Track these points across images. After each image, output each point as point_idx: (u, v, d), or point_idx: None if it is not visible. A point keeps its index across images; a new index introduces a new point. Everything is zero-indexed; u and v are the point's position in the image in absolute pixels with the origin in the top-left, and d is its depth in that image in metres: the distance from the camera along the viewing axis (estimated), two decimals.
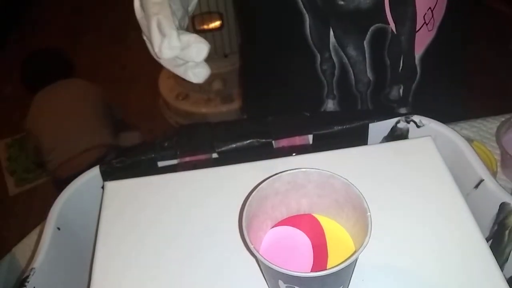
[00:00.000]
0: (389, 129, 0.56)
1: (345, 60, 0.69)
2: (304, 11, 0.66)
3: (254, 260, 0.42)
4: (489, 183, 0.47)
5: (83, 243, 0.51)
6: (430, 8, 0.65)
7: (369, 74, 0.70)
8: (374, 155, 0.51)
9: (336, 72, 0.71)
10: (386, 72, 0.70)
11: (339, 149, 0.51)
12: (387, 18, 0.65)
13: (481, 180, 0.48)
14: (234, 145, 0.54)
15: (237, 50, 1.93)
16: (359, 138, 0.56)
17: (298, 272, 0.33)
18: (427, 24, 0.66)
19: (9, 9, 2.79)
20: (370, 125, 0.55)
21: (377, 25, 0.66)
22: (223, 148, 0.54)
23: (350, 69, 0.70)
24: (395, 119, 0.55)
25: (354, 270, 0.39)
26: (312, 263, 0.39)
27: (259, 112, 0.87)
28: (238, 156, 0.53)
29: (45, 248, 0.46)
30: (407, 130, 0.55)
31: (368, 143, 0.56)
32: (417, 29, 0.66)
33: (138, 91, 1.81)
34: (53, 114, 1.68)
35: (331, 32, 0.67)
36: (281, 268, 0.33)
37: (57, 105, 1.71)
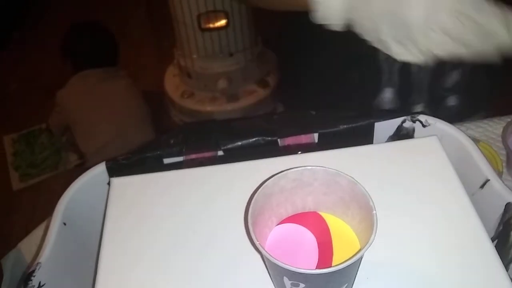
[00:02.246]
0: (395, 128, 0.56)
1: None
2: None
3: (259, 256, 0.42)
4: (495, 183, 0.47)
5: (88, 238, 0.51)
6: None
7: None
8: (379, 154, 0.51)
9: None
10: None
11: (345, 148, 0.51)
12: None
13: (487, 180, 0.48)
14: (239, 143, 0.54)
15: (242, 49, 1.93)
16: (365, 137, 0.56)
17: (303, 269, 0.33)
18: None
19: (14, 6, 2.80)
20: (376, 124, 0.55)
21: None
22: (228, 146, 0.54)
23: None
24: (401, 118, 0.55)
25: (359, 268, 0.39)
26: (317, 260, 0.39)
27: (308, 102, 0.86)
28: (243, 154, 0.53)
29: (51, 243, 0.46)
30: (413, 130, 0.55)
31: (374, 142, 0.56)
32: None
33: (143, 89, 1.81)
34: (105, 105, 1.67)
35: None
36: (286, 264, 0.33)
37: (104, 94, 1.68)
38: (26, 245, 0.63)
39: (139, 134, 1.65)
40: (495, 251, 0.42)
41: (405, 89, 0.76)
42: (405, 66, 0.73)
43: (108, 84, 1.70)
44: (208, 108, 1.98)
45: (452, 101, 0.78)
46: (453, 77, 0.75)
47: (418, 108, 0.78)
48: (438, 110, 0.78)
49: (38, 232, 0.64)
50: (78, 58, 1.73)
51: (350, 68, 0.78)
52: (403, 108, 0.77)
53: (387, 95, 0.76)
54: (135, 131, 1.65)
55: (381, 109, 0.76)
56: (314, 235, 0.41)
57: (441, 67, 0.73)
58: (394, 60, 0.71)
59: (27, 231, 0.65)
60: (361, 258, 0.36)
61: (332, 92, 0.82)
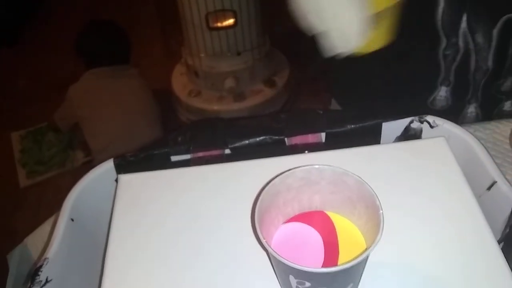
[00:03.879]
0: (403, 129, 0.56)
1: (471, 46, 0.70)
2: None
3: (265, 254, 0.42)
4: (502, 185, 0.47)
5: (96, 234, 0.51)
6: None
7: (490, 62, 0.71)
8: (387, 155, 0.51)
9: (458, 57, 0.72)
10: (506, 61, 0.72)
11: (352, 148, 0.51)
12: None
13: (494, 182, 0.48)
14: (247, 142, 0.54)
15: (250, 48, 1.93)
16: (372, 137, 0.55)
17: (309, 267, 0.33)
18: None
19: (23, 4, 2.82)
20: (384, 124, 0.55)
21: (509, 15, 0.67)
22: (236, 144, 0.54)
23: (473, 55, 0.70)
24: (408, 119, 0.55)
25: (365, 268, 0.39)
26: (323, 259, 0.39)
27: (358, 98, 0.86)
28: (250, 153, 0.53)
29: (58, 239, 0.46)
30: (421, 130, 0.55)
31: (381, 142, 0.56)
32: None
33: (151, 87, 1.82)
34: (116, 103, 1.68)
35: (464, 17, 0.67)
36: (292, 263, 0.33)
37: (115, 92, 1.69)
38: (32, 241, 0.64)
39: (148, 132, 1.66)
40: (502, 253, 0.42)
41: (461, 88, 0.75)
42: (462, 65, 0.72)
43: (119, 82, 1.71)
44: (215, 107, 1.99)
45: (508, 106, 0.78)
46: (508, 83, 0.74)
47: (471, 108, 0.77)
48: (492, 113, 0.78)
49: (44, 228, 0.64)
50: (92, 55, 1.75)
51: (406, 65, 0.78)
52: (456, 107, 0.76)
53: (442, 93, 0.76)
54: (143, 130, 1.66)
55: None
56: (320, 234, 0.41)
57: (498, 70, 0.73)
58: (453, 58, 0.71)
59: (32, 228, 0.65)
60: (367, 257, 0.36)
61: (387, 89, 0.81)
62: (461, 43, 0.70)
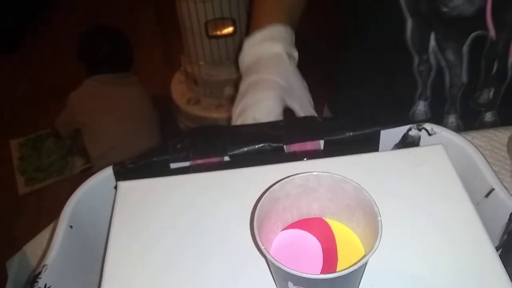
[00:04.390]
0: (401, 137, 0.56)
1: (443, 63, 0.71)
2: (407, 15, 0.68)
3: (264, 261, 0.42)
4: (500, 192, 0.47)
5: (95, 241, 0.51)
6: None
7: (464, 77, 0.72)
8: (385, 162, 0.51)
9: (432, 73, 0.72)
10: (480, 75, 0.72)
11: (350, 155, 0.52)
12: (488, 26, 0.67)
13: (492, 189, 0.48)
14: (245, 149, 0.55)
15: None
16: (370, 145, 0.56)
17: (308, 273, 0.33)
18: None
19: (24, 10, 2.83)
20: (382, 132, 0.55)
21: (477, 32, 0.67)
22: (234, 152, 0.55)
23: (447, 71, 0.71)
24: (406, 127, 0.55)
25: (363, 275, 0.39)
26: (321, 266, 0.39)
27: (347, 111, 0.87)
28: (249, 160, 0.53)
29: (57, 246, 0.46)
30: (419, 138, 0.55)
31: (380, 149, 0.56)
32: None
33: (150, 95, 1.83)
34: (116, 109, 1.69)
35: (432, 36, 0.68)
36: (291, 269, 0.33)
37: (116, 99, 1.71)
38: (31, 248, 0.64)
39: (146, 140, 1.67)
40: (500, 260, 0.42)
41: (438, 103, 0.76)
42: (437, 81, 0.73)
43: (120, 89, 1.72)
44: (214, 114, 1.99)
45: (489, 117, 0.78)
46: (484, 96, 0.75)
47: (452, 119, 0.78)
48: (474, 124, 0.79)
49: (43, 235, 0.64)
50: (94, 62, 1.76)
51: (385, 79, 0.79)
52: (435, 119, 0.77)
53: (421, 107, 0.77)
54: (142, 137, 1.67)
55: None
56: (319, 241, 0.41)
57: (473, 84, 0.73)
58: (427, 74, 0.72)
59: (31, 235, 0.65)
60: (366, 264, 0.36)
61: (370, 104, 0.83)
62: (432, 60, 0.71)
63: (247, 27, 0.73)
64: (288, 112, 0.64)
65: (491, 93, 0.74)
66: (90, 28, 1.81)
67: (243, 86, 0.64)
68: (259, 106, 0.61)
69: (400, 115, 0.78)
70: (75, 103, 1.72)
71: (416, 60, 0.72)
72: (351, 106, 0.86)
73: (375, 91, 0.81)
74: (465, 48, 0.69)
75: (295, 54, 0.67)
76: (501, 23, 0.67)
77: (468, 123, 0.77)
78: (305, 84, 0.67)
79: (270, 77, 0.62)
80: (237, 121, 0.62)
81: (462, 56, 0.70)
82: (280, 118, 0.61)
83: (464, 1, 0.65)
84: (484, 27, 0.67)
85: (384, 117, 0.78)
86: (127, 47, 1.82)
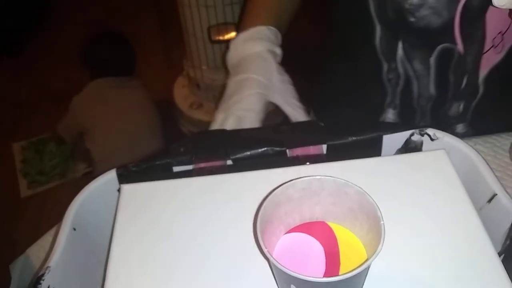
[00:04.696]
0: (403, 142, 0.56)
1: (411, 72, 0.70)
2: (376, 22, 0.68)
3: (266, 265, 0.42)
4: (503, 197, 0.47)
5: (98, 244, 0.51)
6: (500, 32, 0.66)
7: (432, 89, 0.71)
8: (387, 167, 0.51)
9: (400, 82, 0.72)
10: (449, 88, 0.71)
11: (353, 160, 0.52)
12: (455, 39, 0.66)
13: (494, 195, 0.48)
14: (248, 153, 0.55)
15: None
16: (373, 150, 0.56)
17: (310, 276, 0.33)
18: (495, 47, 0.67)
19: (26, 14, 2.84)
20: (384, 137, 0.55)
21: (445, 44, 0.67)
22: (237, 155, 0.55)
23: (415, 81, 0.71)
24: (409, 132, 0.55)
25: (366, 279, 0.39)
26: (324, 270, 0.39)
27: (330, 116, 0.88)
28: (252, 164, 0.53)
29: (60, 248, 0.47)
30: (421, 143, 0.56)
31: (382, 154, 0.56)
32: (484, 51, 0.67)
33: (152, 99, 1.84)
34: (119, 113, 1.70)
35: (400, 45, 0.68)
36: (294, 272, 0.33)
37: (118, 102, 1.71)
38: (34, 251, 0.64)
39: (150, 143, 1.67)
40: (502, 265, 0.42)
41: (407, 113, 0.76)
42: (406, 90, 0.73)
43: (123, 93, 1.73)
44: None
45: (460, 128, 0.78)
46: (454, 109, 0.74)
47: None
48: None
49: (46, 238, 0.65)
50: (99, 65, 1.77)
51: (358, 86, 0.79)
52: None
53: (390, 116, 0.76)
54: (145, 141, 1.67)
55: (390, 122, 0.77)
56: (322, 245, 0.41)
57: (442, 97, 0.73)
58: (396, 83, 0.72)
59: (33, 238, 0.66)
60: (368, 268, 0.36)
61: (345, 108, 0.83)
62: (400, 68, 0.71)
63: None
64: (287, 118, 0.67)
65: (461, 106, 0.74)
66: (95, 34, 1.82)
67: (228, 86, 0.68)
68: (240, 103, 0.64)
69: (371, 121, 0.79)
70: (78, 107, 1.73)
71: (385, 67, 0.72)
72: (331, 108, 0.87)
73: (349, 95, 0.82)
74: (432, 60, 0.69)
75: (278, 51, 0.70)
76: (469, 37, 0.66)
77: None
78: (287, 78, 0.69)
79: (250, 75, 0.65)
80: (220, 117, 0.65)
81: (429, 67, 0.70)
82: (262, 113, 0.64)
83: (432, 12, 0.64)
84: (452, 40, 0.67)
85: (357, 121, 0.79)
86: (130, 52, 1.84)
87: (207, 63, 1.92)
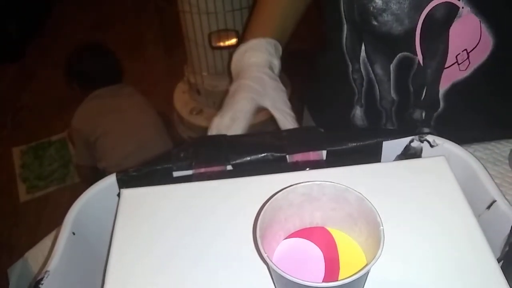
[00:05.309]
0: (403, 148, 0.56)
1: (372, 76, 0.71)
2: (344, 21, 0.70)
3: (266, 270, 0.42)
4: (502, 204, 0.48)
5: (97, 248, 0.51)
6: (466, 50, 0.65)
7: (393, 94, 0.71)
8: (387, 173, 0.51)
9: (364, 83, 0.73)
10: (409, 96, 0.71)
11: (353, 166, 0.52)
12: (415, 50, 0.66)
13: (494, 201, 0.48)
14: (248, 158, 0.55)
15: None
16: (372, 156, 0.56)
17: (310, 282, 0.33)
18: (459, 64, 0.66)
19: (28, 20, 2.85)
20: (384, 143, 0.55)
21: (405, 53, 0.67)
22: (237, 161, 0.55)
23: (376, 85, 0.71)
24: (409, 138, 0.56)
25: (365, 285, 0.39)
26: (323, 275, 0.39)
27: (316, 111, 0.92)
28: (252, 169, 0.54)
29: (59, 252, 0.47)
30: (421, 149, 0.56)
31: (382, 160, 0.56)
32: (446, 66, 0.67)
33: (153, 105, 1.84)
34: (116, 120, 1.69)
35: (363, 47, 0.68)
36: (293, 277, 0.33)
37: (119, 111, 1.71)
38: (33, 255, 0.64)
39: (157, 143, 1.67)
40: (502, 272, 0.42)
41: (372, 113, 0.77)
42: (369, 92, 0.74)
43: (121, 100, 1.72)
44: None
45: (426, 131, 0.77)
46: (418, 114, 0.74)
47: None
48: None
49: (44, 242, 0.64)
50: (84, 80, 1.77)
51: (332, 82, 0.83)
52: (374, 128, 0.79)
53: (358, 112, 0.77)
54: (153, 141, 1.67)
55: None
56: (321, 250, 0.41)
57: (404, 102, 0.73)
58: (361, 83, 0.73)
59: (32, 242, 0.66)
60: (367, 273, 0.36)
61: (324, 102, 0.87)
62: (363, 70, 0.72)
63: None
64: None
65: (423, 114, 0.74)
66: (72, 51, 1.82)
67: (228, 93, 0.73)
68: (233, 106, 0.69)
69: (343, 116, 0.81)
70: (80, 126, 1.72)
71: (350, 67, 0.74)
72: (317, 104, 0.90)
73: (328, 90, 0.85)
74: (392, 66, 0.69)
75: (275, 62, 0.74)
76: (430, 49, 0.66)
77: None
78: (281, 86, 0.73)
79: (245, 82, 0.70)
80: (215, 121, 0.70)
81: (389, 73, 0.70)
82: (251, 115, 0.70)
83: (394, 19, 0.65)
84: (412, 50, 0.66)
85: (330, 117, 0.84)
86: (112, 59, 1.83)
87: (207, 69, 1.93)
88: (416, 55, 0.67)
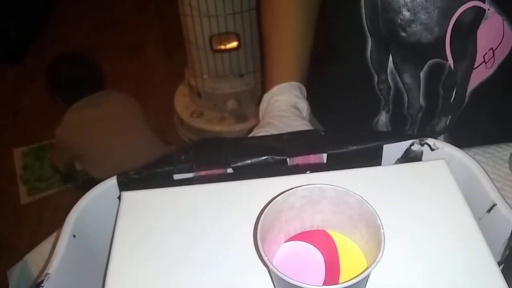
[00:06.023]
0: (403, 151, 0.56)
1: (400, 85, 0.71)
2: (368, 35, 0.69)
3: (266, 273, 0.42)
4: (502, 207, 0.48)
5: (98, 251, 0.51)
6: (491, 48, 0.66)
7: (422, 101, 0.72)
8: (387, 176, 0.51)
9: (391, 92, 0.74)
10: (438, 101, 0.72)
11: (353, 169, 0.52)
12: (446, 55, 0.67)
13: (494, 205, 0.48)
14: (249, 161, 0.55)
15: (253, 71, 1.95)
16: (373, 159, 0.56)
17: (310, 285, 0.33)
18: (486, 63, 0.68)
19: (29, 22, 2.86)
20: (385, 146, 0.55)
21: (435, 59, 0.68)
22: (238, 164, 0.55)
23: (405, 93, 0.72)
24: (409, 141, 0.56)
25: None
26: (324, 279, 0.39)
27: (326, 114, 0.91)
28: (252, 172, 0.54)
29: (60, 254, 0.47)
30: (421, 153, 0.56)
31: (382, 164, 0.56)
32: (474, 67, 0.67)
33: (153, 107, 1.84)
34: (102, 128, 1.65)
35: (390, 58, 0.69)
36: (293, 280, 0.34)
37: (104, 119, 1.67)
38: (33, 258, 0.64)
39: (148, 149, 1.65)
40: (502, 275, 0.42)
41: (398, 120, 0.77)
42: (397, 99, 0.74)
43: (106, 109, 1.68)
44: (217, 128, 2.00)
45: (440, 139, 0.78)
46: (442, 123, 0.75)
47: None
48: None
49: (44, 245, 0.64)
50: (67, 91, 1.72)
51: (350, 92, 0.81)
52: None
53: (382, 118, 0.77)
54: (144, 148, 1.65)
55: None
56: (322, 253, 0.41)
57: (432, 109, 0.74)
58: (387, 92, 0.73)
59: (32, 245, 0.66)
60: (368, 277, 0.36)
61: (338, 111, 0.86)
62: (390, 80, 0.72)
63: (261, 63, 0.84)
64: None
65: (448, 120, 0.75)
66: (50, 63, 1.78)
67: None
68: None
69: (362, 123, 0.81)
70: (64, 139, 1.69)
71: (376, 78, 0.73)
72: (327, 113, 0.89)
73: (345, 95, 0.84)
74: (422, 74, 0.70)
75: (301, 103, 0.74)
76: (460, 53, 0.67)
77: None
78: (306, 123, 0.72)
79: (268, 120, 0.72)
80: None
81: (419, 81, 0.71)
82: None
83: (423, 28, 0.65)
84: (443, 55, 0.67)
85: (348, 124, 0.83)
86: (92, 66, 1.78)
87: (208, 72, 1.93)
88: (447, 60, 0.67)
